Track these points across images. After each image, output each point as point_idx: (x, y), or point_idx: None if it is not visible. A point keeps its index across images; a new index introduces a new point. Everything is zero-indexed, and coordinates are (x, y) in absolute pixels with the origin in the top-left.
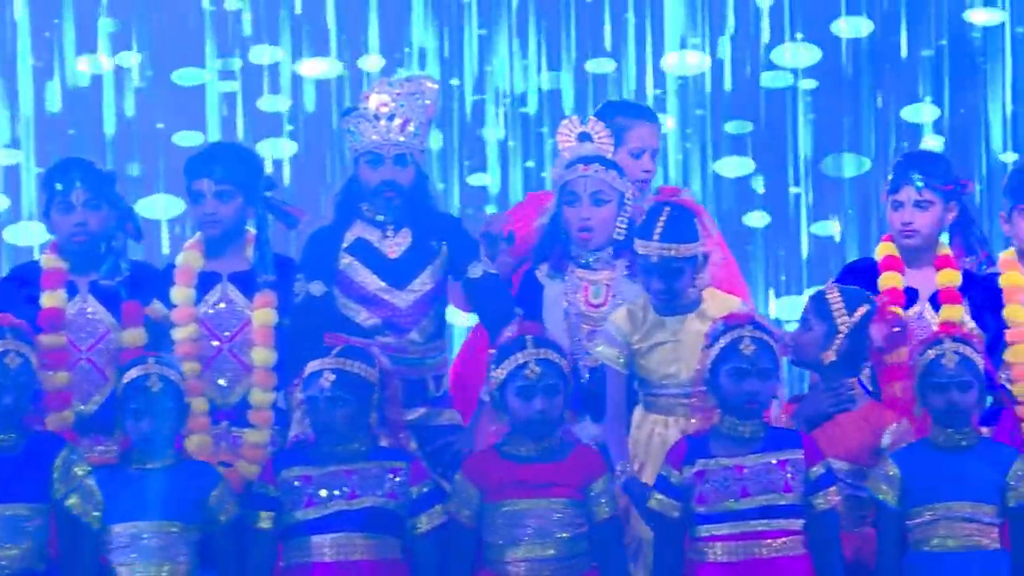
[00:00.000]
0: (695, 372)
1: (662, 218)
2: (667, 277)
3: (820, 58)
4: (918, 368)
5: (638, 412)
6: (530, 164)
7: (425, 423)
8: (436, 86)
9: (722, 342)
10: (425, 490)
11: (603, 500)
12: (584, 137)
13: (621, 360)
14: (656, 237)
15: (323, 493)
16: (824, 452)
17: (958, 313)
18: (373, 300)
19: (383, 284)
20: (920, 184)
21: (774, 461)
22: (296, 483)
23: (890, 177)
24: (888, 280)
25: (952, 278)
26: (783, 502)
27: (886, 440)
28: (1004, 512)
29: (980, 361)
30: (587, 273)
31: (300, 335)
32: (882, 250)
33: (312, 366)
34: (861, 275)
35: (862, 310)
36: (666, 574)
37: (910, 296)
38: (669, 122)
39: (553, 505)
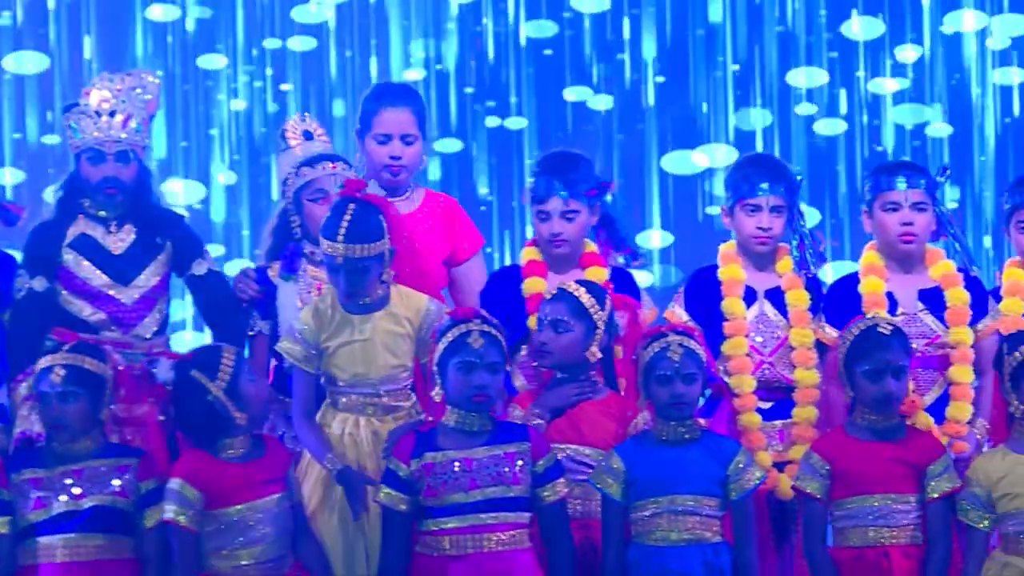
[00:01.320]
0: (384, 371)
1: (347, 216)
2: (353, 276)
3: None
4: (642, 362)
5: (324, 408)
6: None
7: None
8: (158, 81)
9: (450, 336)
10: (152, 486)
11: (294, 487)
12: (308, 135)
13: (307, 358)
14: (341, 238)
15: (50, 494)
16: (570, 439)
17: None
18: (97, 296)
19: (107, 280)
20: (565, 194)
21: (502, 454)
22: (26, 486)
23: (530, 183)
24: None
25: (599, 275)
26: (511, 494)
27: (631, 430)
28: (726, 504)
29: (703, 353)
30: (320, 271)
31: (21, 331)
32: (527, 255)
33: (43, 362)
34: (506, 281)
35: (608, 301)
36: (393, 568)
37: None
38: None
39: (272, 502)
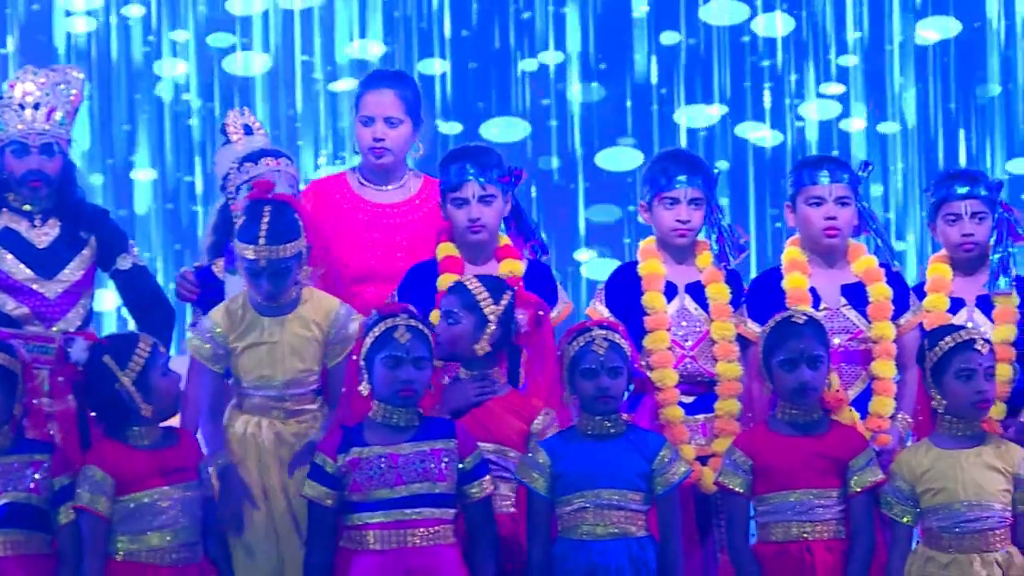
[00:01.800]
0: (290, 375)
1: (265, 219)
2: (276, 278)
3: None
4: (566, 357)
5: (230, 409)
6: None
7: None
8: (82, 75)
9: (377, 330)
10: (66, 482)
11: (207, 481)
12: (248, 130)
13: (214, 357)
14: (262, 240)
15: None
16: (477, 436)
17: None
18: (21, 289)
19: (31, 273)
20: (482, 179)
21: (428, 450)
22: None
23: (441, 179)
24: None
25: (514, 267)
26: (437, 491)
27: (536, 427)
28: (651, 499)
29: (627, 347)
30: None
31: None
32: (443, 250)
33: None
34: (423, 276)
35: (507, 296)
36: (318, 562)
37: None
38: None
39: (183, 489)
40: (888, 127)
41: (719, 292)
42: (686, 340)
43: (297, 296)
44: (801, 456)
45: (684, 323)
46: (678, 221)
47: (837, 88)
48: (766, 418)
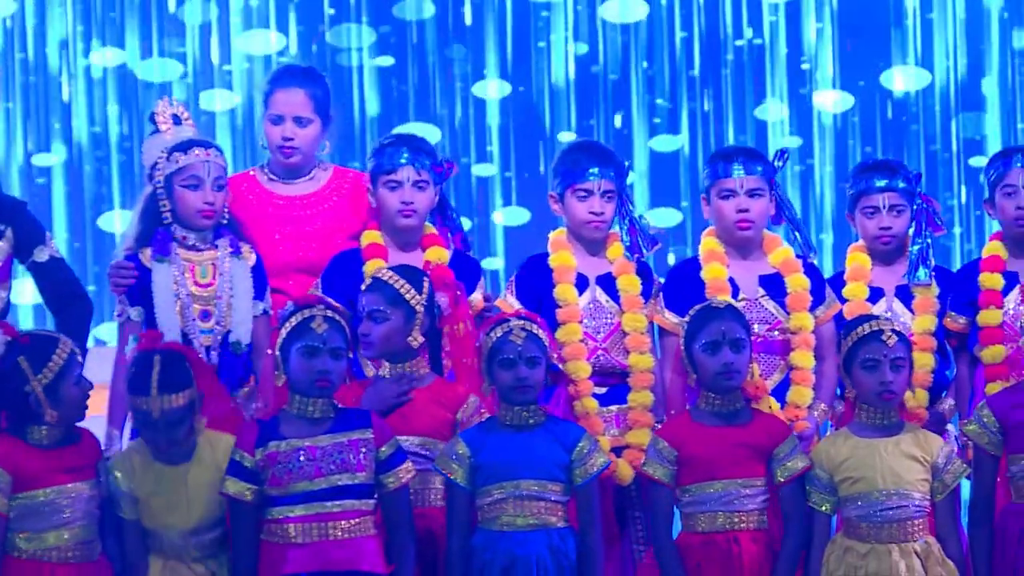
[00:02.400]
0: (195, 521)
1: (155, 369)
2: (170, 429)
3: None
4: (485, 347)
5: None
6: None
7: None
8: None
9: (293, 321)
10: None
11: (103, 479)
12: (176, 120)
13: (126, 506)
14: (155, 391)
15: None
16: (398, 429)
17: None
18: None
19: None
20: (417, 164)
21: (346, 441)
22: None
23: (371, 164)
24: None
25: (440, 255)
26: (356, 482)
27: (462, 415)
28: (570, 489)
29: (546, 338)
30: (192, 254)
31: None
32: (367, 238)
33: None
34: (347, 264)
35: (426, 283)
36: (243, 557)
37: None
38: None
39: (81, 488)
40: (798, 138)
41: (630, 284)
42: (598, 332)
43: (195, 442)
44: (725, 445)
45: (596, 315)
46: (591, 213)
47: (777, 107)
48: (688, 408)
